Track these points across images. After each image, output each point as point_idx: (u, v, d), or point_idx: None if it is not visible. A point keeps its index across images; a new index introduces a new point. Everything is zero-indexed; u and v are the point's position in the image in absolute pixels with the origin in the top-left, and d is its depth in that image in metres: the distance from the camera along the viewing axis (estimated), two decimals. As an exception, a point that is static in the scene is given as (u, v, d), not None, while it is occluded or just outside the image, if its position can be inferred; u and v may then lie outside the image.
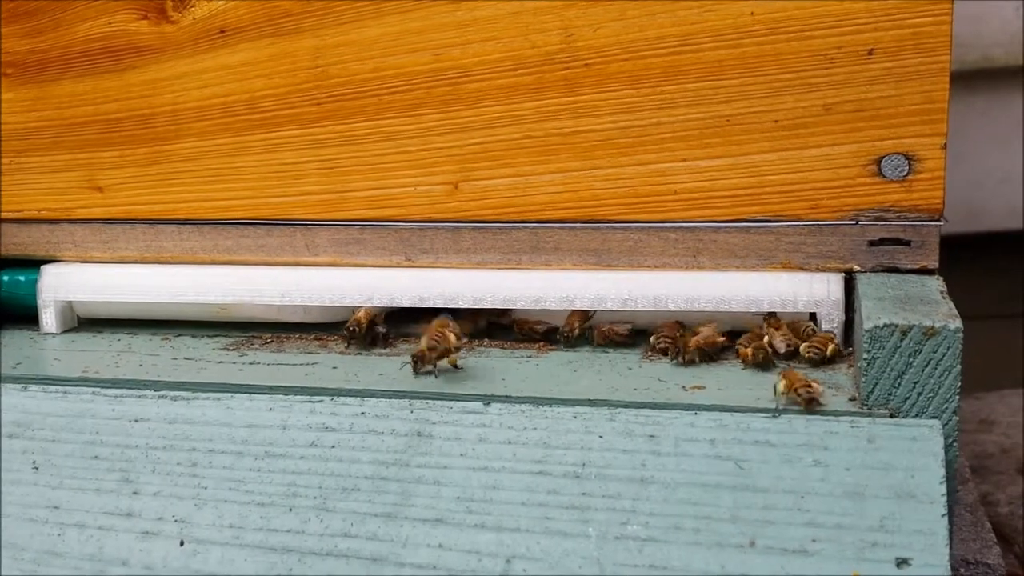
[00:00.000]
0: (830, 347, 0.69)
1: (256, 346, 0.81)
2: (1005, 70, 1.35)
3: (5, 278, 0.89)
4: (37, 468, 0.70)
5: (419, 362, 0.70)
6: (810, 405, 0.62)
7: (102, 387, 0.73)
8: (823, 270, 0.73)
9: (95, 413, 0.71)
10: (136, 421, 0.70)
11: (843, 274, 0.73)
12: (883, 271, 0.72)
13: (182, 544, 0.65)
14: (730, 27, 0.71)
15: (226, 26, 0.80)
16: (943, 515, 0.56)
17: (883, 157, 0.71)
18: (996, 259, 1.44)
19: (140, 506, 0.67)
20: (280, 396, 0.69)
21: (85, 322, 0.89)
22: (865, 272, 0.72)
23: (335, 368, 0.74)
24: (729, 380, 0.68)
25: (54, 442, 0.71)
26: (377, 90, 0.78)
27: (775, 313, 0.74)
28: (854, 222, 0.72)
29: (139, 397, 0.71)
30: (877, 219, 0.72)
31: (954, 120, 1.39)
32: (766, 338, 0.71)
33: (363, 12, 0.77)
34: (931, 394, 0.61)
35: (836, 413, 0.61)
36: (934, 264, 0.72)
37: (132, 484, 0.68)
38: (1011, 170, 1.39)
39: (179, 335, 0.85)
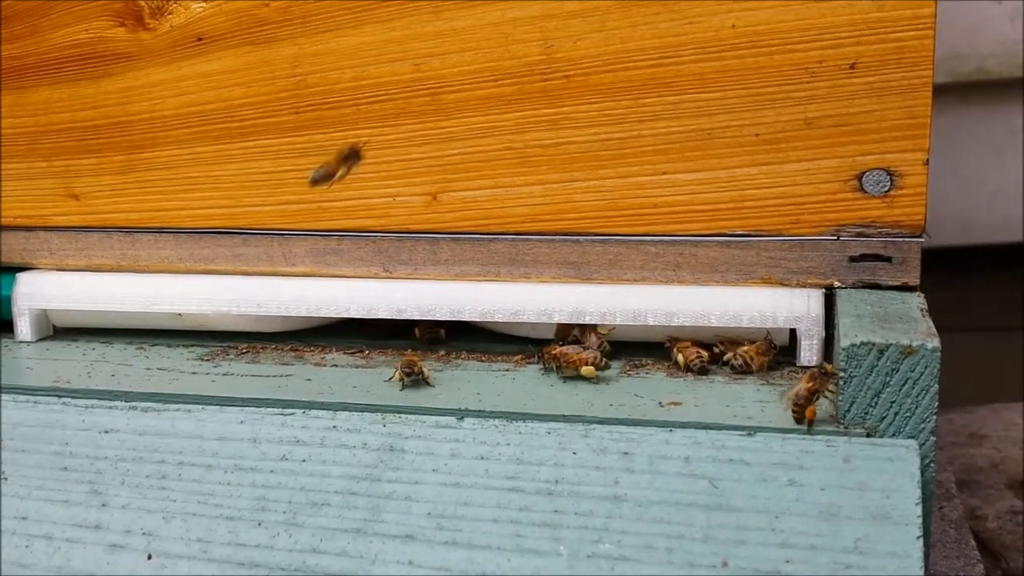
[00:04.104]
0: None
1: (231, 356, 0.80)
2: (1000, 81, 1.34)
3: (-20, 285, 0.88)
4: (6, 478, 0.69)
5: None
6: (702, 373, 0.71)
7: (72, 397, 0.72)
8: (803, 285, 0.73)
9: (64, 424, 0.70)
10: (106, 432, 0.69)
11: (823, 290, 0.72)
12: (864, 287, 0.71)
13: (149, 558, 0.64)
14: (711, 40, 0.70)
15: (204, 34, 0.79)
16: (918, 537, 0.55)
17: (865, 172, 0.70)
18: (990, 272, 1.44)
19: (108, 518, 0.66)
20: (251, 408, 0.68)
21: (61, 330, 0.89)
22: (845, 288, 0.72)
23: (309, 380, 0.74)
24: (707, 396, 0.67)
25: (23, 452, 0.70)
26: (356, 100, 0.78)
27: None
28: (835, 238, 0.71)
29: (109, 408, 0.71)
30: (858, 235, 0.71)
31: (948, 132, 1.39)
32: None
33: (343, 21, 0.77)
34: (908, 414, 0.60)
35: (812, 432, 0.61)
36: (915, 281, 0.71)
37: (101, 496, 0.67)
38: (1005, 182, 1.38)
39: (155, 344, 0.84)
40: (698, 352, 0.72)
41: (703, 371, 0.71)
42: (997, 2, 1.32)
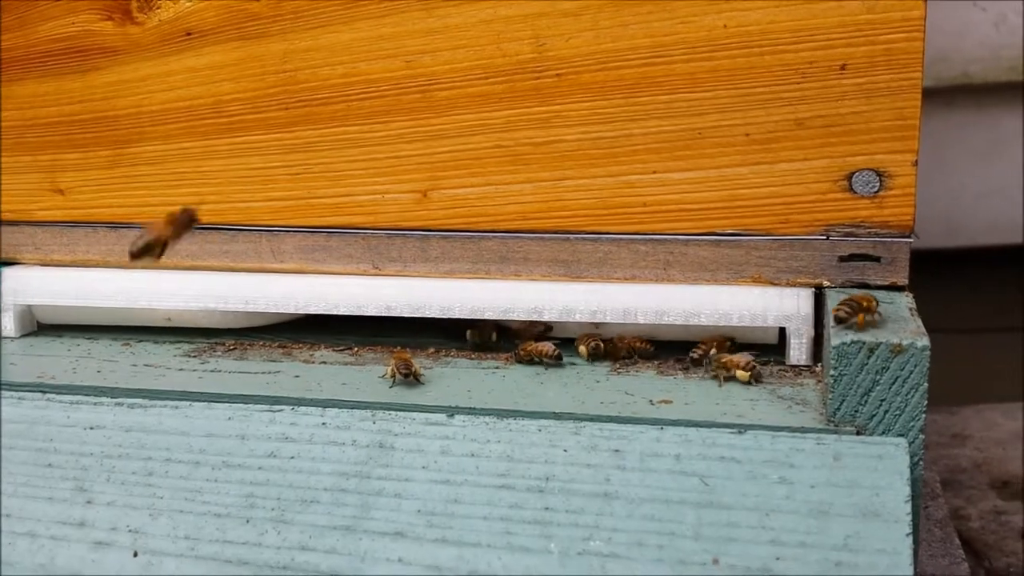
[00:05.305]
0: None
1: (218, 353, 0.80)
2: (984, 86, 1.35)
3: (-36, 280, 0.87)
4: (-11, 475, 0.68)
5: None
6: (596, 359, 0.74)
7: (57, 393, 0.71)
8: (793, 285, 0.73)
9: (49, 420, 0.70)
10: (91, 429, 0.69)
11: (813, 289, 0.73)
12: (853, 287, 0.72)
13: (135, 555, 0.63)
14: (703, 40, 0.71)
15: (193, 28, 0.79)
16: (908, 534, 0.55)
17: (854, 173, 0.70)
18: (973, 274, 1.45)
19: (93, 516, 0.65)
20: (239, 405, 0.68)
21: (45, 326, 0.88)
22: (835, 288, 0.72)
23: (297, 377, 0.73)
24: (697, 394, 0.67)
25: (9, 449, 0.69)
26: (347, 96, 0.77)
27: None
28: (824, 237, 0.72)
29: (95, 404, 0.70)
30: (847, 235, 0.71)
31: (933, 136, 1.39)
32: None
33: (334, 17, 0.76)
34: (898, 412, 0.61)
35: (803, 430, 0.61)
36: (904, 280, 0.71)
37: (86, 493, 0.66)
38: (989, 185, 1.40)
39: (141, 341, 0.84)
40: (595, 339, 0.75)
41: (596, 356, 0.74)
42: (981, 8, 1.33)
